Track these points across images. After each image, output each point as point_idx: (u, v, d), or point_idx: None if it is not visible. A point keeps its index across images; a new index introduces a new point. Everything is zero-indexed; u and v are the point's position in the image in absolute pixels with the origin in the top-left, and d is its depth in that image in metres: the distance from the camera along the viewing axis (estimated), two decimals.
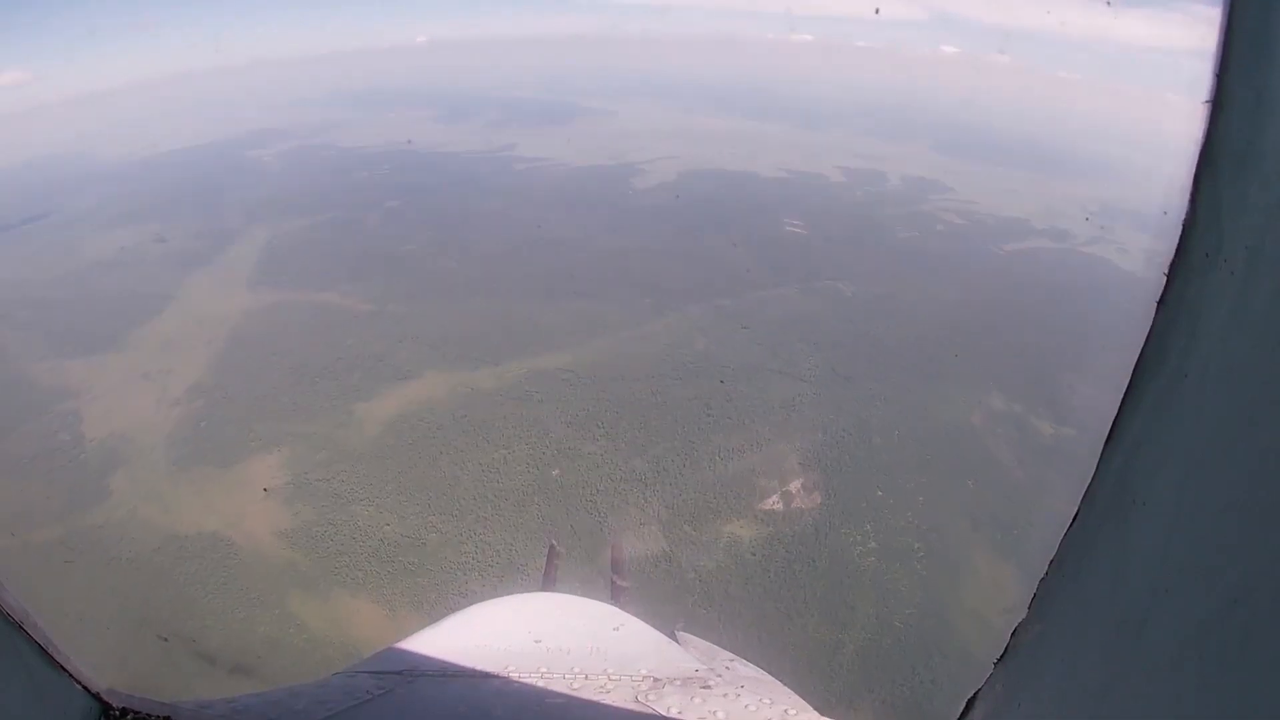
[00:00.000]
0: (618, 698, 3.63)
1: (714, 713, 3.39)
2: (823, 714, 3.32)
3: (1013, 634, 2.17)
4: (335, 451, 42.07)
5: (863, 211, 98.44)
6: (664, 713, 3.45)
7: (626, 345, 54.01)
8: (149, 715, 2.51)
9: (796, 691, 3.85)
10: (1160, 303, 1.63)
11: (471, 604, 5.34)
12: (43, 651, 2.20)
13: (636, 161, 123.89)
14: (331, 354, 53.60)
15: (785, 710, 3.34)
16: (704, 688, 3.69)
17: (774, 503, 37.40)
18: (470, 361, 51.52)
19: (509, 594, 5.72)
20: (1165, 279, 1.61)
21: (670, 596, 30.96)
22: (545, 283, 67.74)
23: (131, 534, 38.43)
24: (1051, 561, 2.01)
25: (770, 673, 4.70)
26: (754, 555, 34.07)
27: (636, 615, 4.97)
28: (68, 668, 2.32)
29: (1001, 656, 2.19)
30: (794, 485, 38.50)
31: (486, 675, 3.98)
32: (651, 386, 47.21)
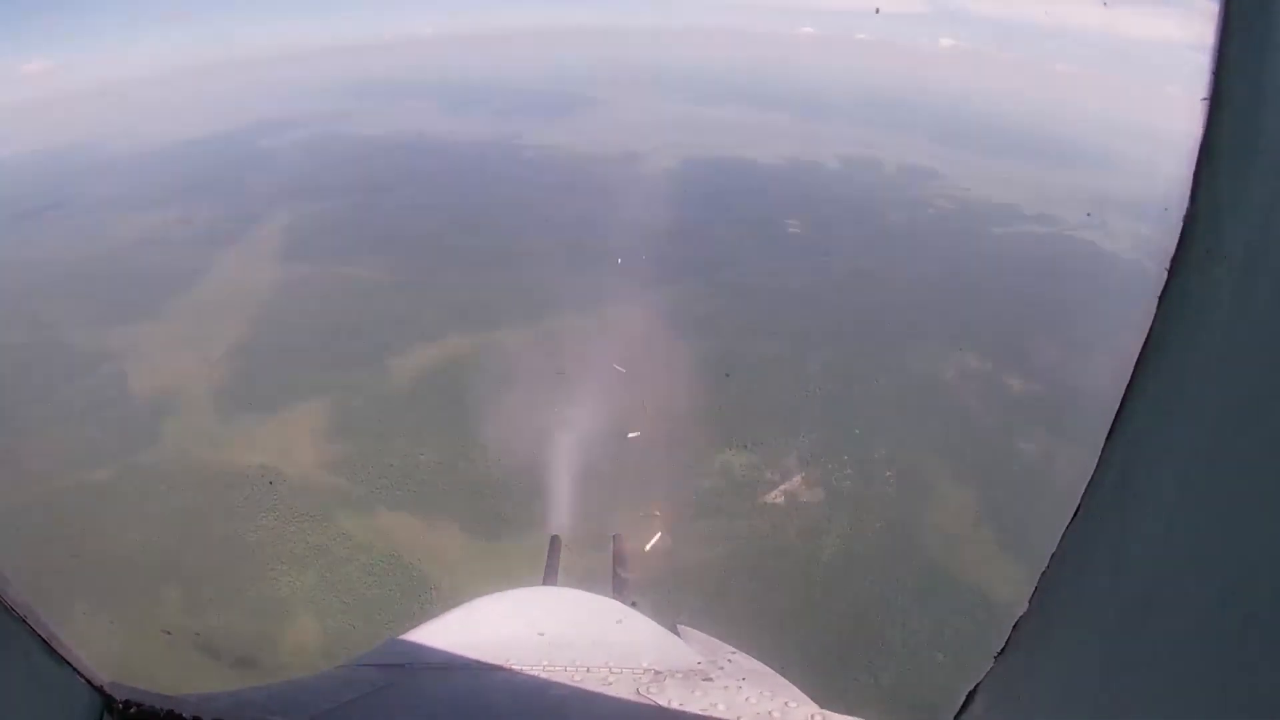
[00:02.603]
0: (619, 690, 3.71)
1: (715, 705, 3.46)
2: (823, 708, 3.39)
3: (1014, 628, 2.17)
4: (372, 397, 46.88)
5: (857, 196, 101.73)
6: (665, 705, 3.51)
7: (633, 309, 58.65)
8: (152, 708, 2.52)
9: (803, 692, 3.97)
10: (1161, 299, 1.64)
11: (472, 596, 5.64)
12: (46, 646, 2.19)
13: (640, 149, 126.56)
14: (361, 318, 58.32)
15: (786, 703, 3.40)
16: (705, 680, 3.78)
17: (760, 435, 42.21)
18: (490, 324, 56.30)
19: (511, 588, 6.02)
20: (1166, 275, 1.62)
21: (670, 506, 35.83)
22: (555, 259, 71.79)
23: (185, 469, 42.27)
24: (1053, 555, 1.99)
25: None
26: (743, 477, 39.01)
27: (639, 608, 5.30)
28: (71, 661, 2.31)
29: (1002, 650, 2.19)
30: (779, 422, 43.35)
31: (488, 668, 4.05)
32: (655, 342, 51.96)
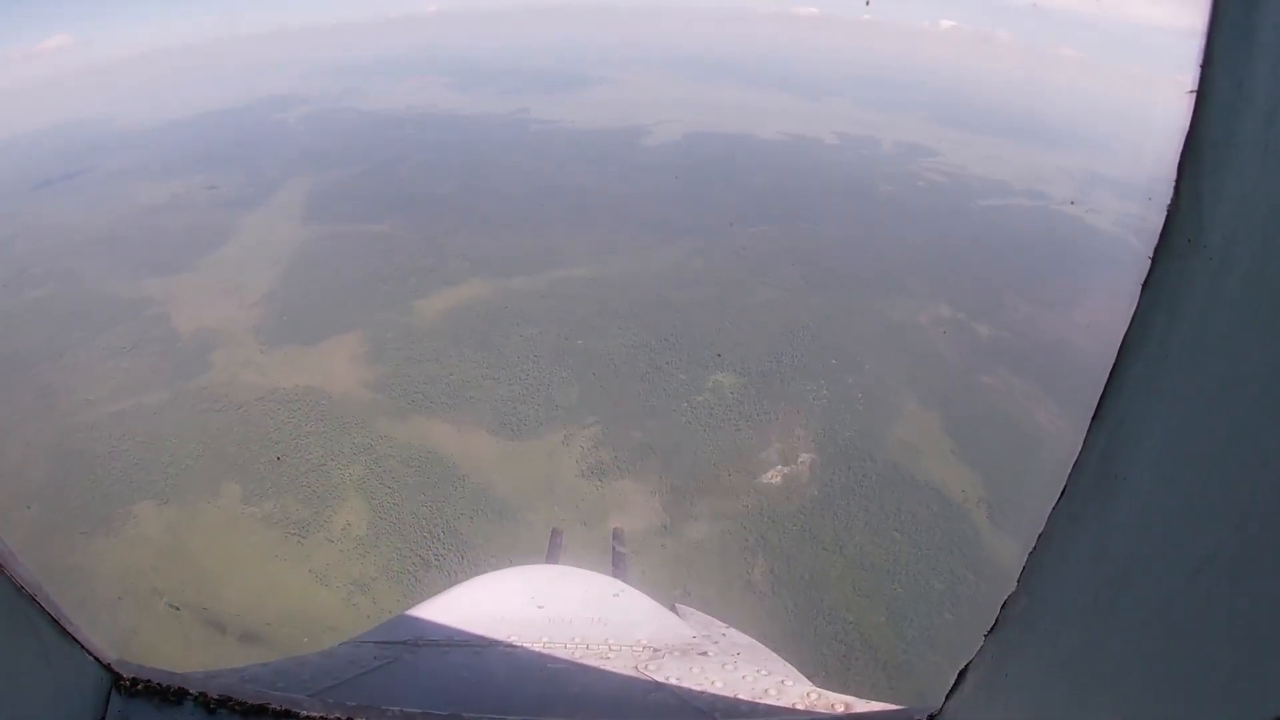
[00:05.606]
0: (618, 666, 3.81)
1: (713, 683, 3.50)
2: (815, 684, 3.43)
3: (1002, 607, 2.22)
4: (403, 331, 52.29)
5: (852, 169, 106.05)
6: (663, 681, 3.58)
7: (637, 264, 63.91)
8: (158, 684, 2.52)
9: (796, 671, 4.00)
10: (1144, 286, 1.68)
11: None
12: (55, 623, 2.22)
13: (644, 124, 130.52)
14: (387, 267, 63.54)
15: (782, 681, 3.45)
16: (701, 654, 3.92)
17: (745, 364, 47.79)
18: (507, 273, 61.65)
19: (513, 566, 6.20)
20: (1150, 263, 1.65)
21: (673, 418, 41.19)
22: (565, 220, 76.83)
23: (235, 392, 46.78)
24: (1039, 536, 2.03)
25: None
26: (733, 395, 44.47)
27: (636, 583, 5.59)
28: (79, 639, 2.33)
29: (991, 629, 2.25)
30: (763, 354, 48.82)
31: (490, 644, 4.13)
32: (657, 291, 57.29)
